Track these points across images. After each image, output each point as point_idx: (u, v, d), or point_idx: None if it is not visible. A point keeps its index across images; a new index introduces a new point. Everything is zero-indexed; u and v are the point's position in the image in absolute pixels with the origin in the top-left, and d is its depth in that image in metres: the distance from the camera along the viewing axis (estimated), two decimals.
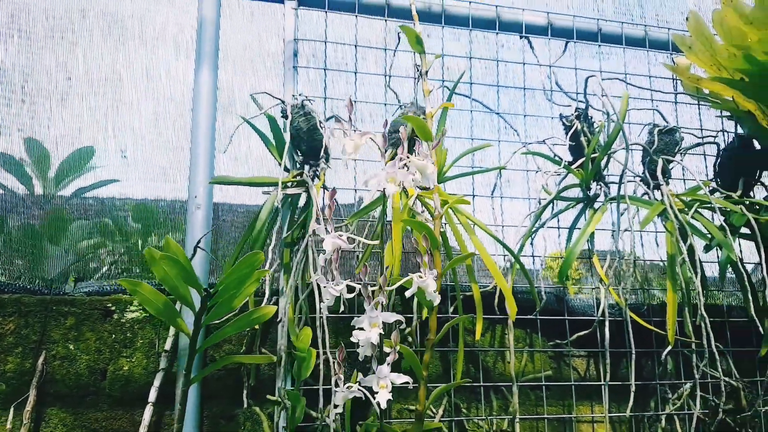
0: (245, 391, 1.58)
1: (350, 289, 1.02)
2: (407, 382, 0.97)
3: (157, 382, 1.56)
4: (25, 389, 1.53)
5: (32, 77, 1.63)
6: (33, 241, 1.80)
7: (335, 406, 1.01)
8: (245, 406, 1.57)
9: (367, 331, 0.91)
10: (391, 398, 0.94)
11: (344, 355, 1.02)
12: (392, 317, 0.94)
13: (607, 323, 1.68)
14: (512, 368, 1.70)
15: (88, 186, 1.88)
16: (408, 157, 1.02)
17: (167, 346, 1.59)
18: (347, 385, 1.00)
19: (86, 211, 1.89)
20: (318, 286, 1.55)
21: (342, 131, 1.01)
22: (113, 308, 1.63)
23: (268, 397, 1.62)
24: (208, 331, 1.56)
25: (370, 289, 0.94)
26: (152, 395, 1.55)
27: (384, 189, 1.17)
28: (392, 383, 0.95)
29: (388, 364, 0.94)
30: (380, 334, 0.92)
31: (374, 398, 0.92)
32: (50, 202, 1.96)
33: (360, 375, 0.99)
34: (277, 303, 1.61)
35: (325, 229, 0.97)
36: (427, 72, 1.28)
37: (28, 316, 1.58)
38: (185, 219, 1.65)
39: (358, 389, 0.98)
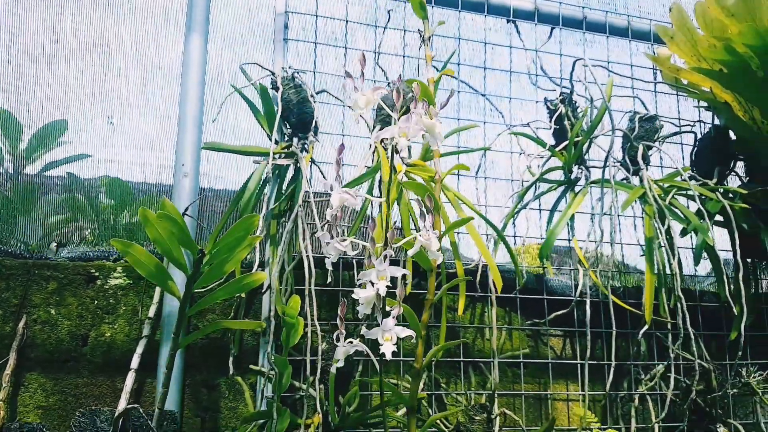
0: (231, 359, 1.58)
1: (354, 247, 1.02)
2: (411, 336, 0.98)
3: (140, 349, 1.55)
4: (4, 353, 1.51)
5: (18, 38, 1.61)
6: (8, 210, 1.77)
7: (336, 361, 1.03)
8: (231, 373, 1.58)
9: (374, 285, 0.91)
10: (395, 350, 0.96)
11: (345, 310, 1.03)
12: (399, 271, 0.95)
13: (588, 303, 1.72)
14: (494, 343, 1.74)
15: (59, 160, 1.85)
16: (418, 115, 1.03)
17: (150, 313, 1.59)
18: (348, 340, 1.01)
19: (56, 186, 1.86)
20: (308, 257, 1.56)
21: (353, 87, 1.02)
22: (96, 274, 1.62)
23: (252, 367, 1.62)
24: (193, 300, 1.56)
25: (375, 245, 0.94)
26: (135, 362, 1.54)
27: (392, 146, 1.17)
28: (397, 336, 0.96)
29: (394, 317, 0.96)
30: (387, 286, 0.92)
31: (379, 349, 0.94)
32: (19, 176, 1.92)
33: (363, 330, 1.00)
34: None
35: (331, 186, 0.98)
36: (430, 38, 1.30)
37: (9, 279, 1.56)
38: (172, 188, 1.64)
39: (360, 342, 1.00)
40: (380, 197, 1.59)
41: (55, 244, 1.65)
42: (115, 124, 1.66)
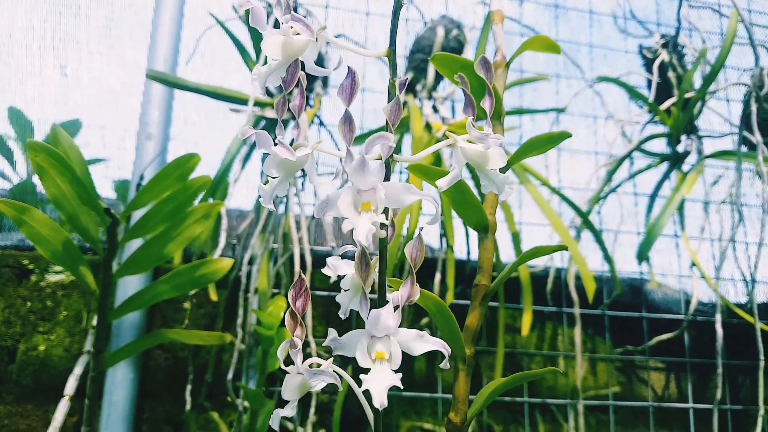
0: (189, 387, 1.14)
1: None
2: (443, 354, 0.42)
3: (78, 369, 1.12)
4: None
5: None
6: None
7: (285, 402, 0.52)
8: (188, 408, 1.13)
9: (350, 220, 0.38)
10: (400, 386, 0.40)
11: (306, 283, 0.50)
12: (411, 192, 0.40)
13: (719, 322, 1.19)
14: (578, 377, 1.23)
15: None
16: None
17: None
18: (309, 362, 0.51)
19: None
20: (300, 246, 1.11)
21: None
22: (31, 267, 1.22)
23: (230, 399, 1.18)
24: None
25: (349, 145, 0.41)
26: (70, 386, 1.11)
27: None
28: (406, 352, 0.41)
29: (399, 306, 0.41)
30: (380, 225, 0.39)
31: (360, 385, 0.40)
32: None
33: (335, 337, 0.48)
34: (249, 274, 1.18)
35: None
36: None
37: None
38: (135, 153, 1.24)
39: (332, 370, 0.50)
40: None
41: None
42: (69, 76, 1.27)
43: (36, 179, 1.64)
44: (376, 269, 0.46)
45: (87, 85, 1.29)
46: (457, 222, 1.30)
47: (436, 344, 0.43)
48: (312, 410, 1.05)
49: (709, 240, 1.38)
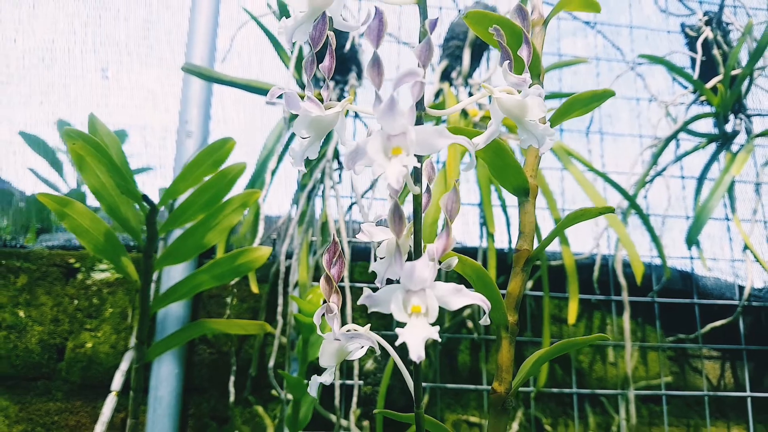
0: (232, 378, 1.14)
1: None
2: (483, 308, 0.40)
3: (124, 365, 1.15)
4: None
5: None
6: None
7: (318, 374, 0.51)
8: (231, 400, 1.13)
9: (379, 164, 0.36)
10: (438, 338, 0.38)
11: (339, 247, 0.47)
12: (443, 136, 0.37)
13: None
14: (628, 366, 1.19)
15: None
16: None
17: None
18: (346, 327, 0.50)
19: None
20: (338, 236, 1.10)
21: None
22: (78, 265, 1.24)
23: (274, 393, 1.18)
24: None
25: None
26: (117, 382, 1.14)
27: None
28: (443, 306, 0.39)
29: (433, 259, 0.40)
30: (413, 169, 0.38)
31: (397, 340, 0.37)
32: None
33: (367, 293, 0.42)
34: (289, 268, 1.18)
35: None
36: None
37: None
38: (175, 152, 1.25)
39: (369, 332, 0.48)
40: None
41: (35, 230, 1.30)
42: (110, 78, 1.30)
43: (86, 189, 1.68)
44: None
45: (127, 86, 1.32)
46: (497, 210, 1.28)
47: (475, 298, 0.41)
48: (354, 400, 1.04)
49: (762, 222, 1.33)
